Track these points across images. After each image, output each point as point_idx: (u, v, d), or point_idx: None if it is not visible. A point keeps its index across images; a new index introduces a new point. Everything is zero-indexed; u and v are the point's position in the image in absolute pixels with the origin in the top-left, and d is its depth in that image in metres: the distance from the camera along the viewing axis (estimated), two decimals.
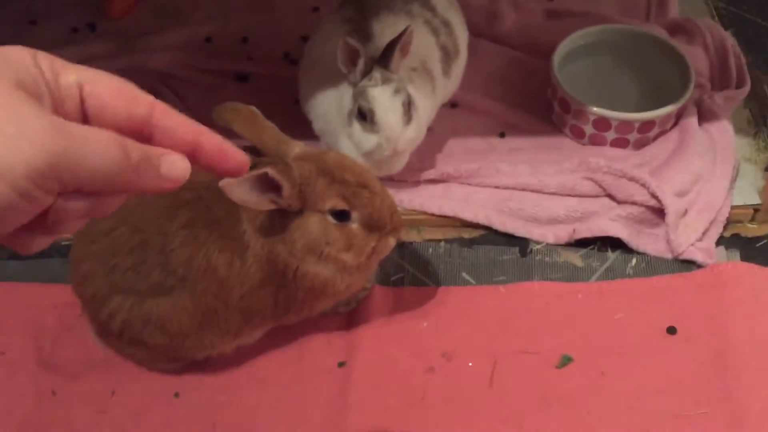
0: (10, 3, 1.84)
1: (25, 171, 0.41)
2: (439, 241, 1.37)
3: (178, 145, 0.52)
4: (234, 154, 0.55)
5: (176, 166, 0.50)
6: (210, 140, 0.53)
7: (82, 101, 0.48)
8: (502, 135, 1.51)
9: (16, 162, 0.41)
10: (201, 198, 1.04)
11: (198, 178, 1.05)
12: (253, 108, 1.06)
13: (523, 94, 1.58)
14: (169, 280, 1.04)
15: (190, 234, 1.03)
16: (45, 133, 0.42)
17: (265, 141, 1.04)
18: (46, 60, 0.47)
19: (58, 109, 0.47)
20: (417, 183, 1.42)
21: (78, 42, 1.73)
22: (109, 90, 0.49)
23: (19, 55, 0.46)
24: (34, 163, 0.41)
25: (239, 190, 0.93)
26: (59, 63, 0.48)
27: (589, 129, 1.44)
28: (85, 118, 0.48)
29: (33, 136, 0.42)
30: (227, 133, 1.05)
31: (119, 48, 1.70)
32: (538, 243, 1.35)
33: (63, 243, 1.37)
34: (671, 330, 1.22)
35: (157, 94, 1.56)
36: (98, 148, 0.45)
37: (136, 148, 0.47)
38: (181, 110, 1.54)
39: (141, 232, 1.04)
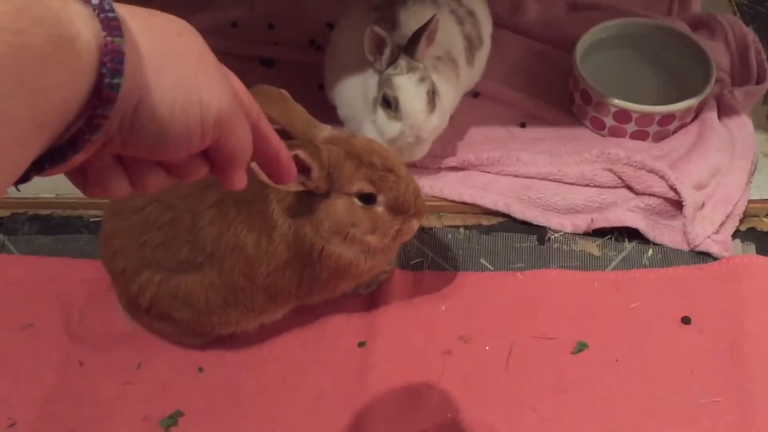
0: None
1: (216, 111, 0.51)
2: (459, 227, 1.39)
3: (266, 150, 0.62)
4: (293, 168, 0.65)
5: (244, 181, 0.59)
6: (286, 153, 0.64)
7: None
8: (523, 125, 1.53)
9: (214, 102, 0.51)
10: None
11: None
12: (284, 91, 1.09)
13: (544, 85, 1.59)
14: (198, 256, 1.07)
15: (220, 212, 1.06)
16: (231, 94, 0.53)
17: (295, 123, 1.07)
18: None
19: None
20: (438, 170, 1.44)
21: None
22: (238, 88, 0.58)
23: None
24: (222, 109, 0.51)
25: None
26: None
27: (609, 121, 1.46)
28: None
29: (228, 92, 0.52)
30: None
31: None
32: (556, 231, 1.37)
33: (91, 219, 1.41)
34: (686, 320, 1.24)
35: None
36: (246, 125, 0.56)
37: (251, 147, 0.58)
38: None
39: (172, 210, 1.07)
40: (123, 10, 0.47)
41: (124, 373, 1.22)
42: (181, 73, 0.49)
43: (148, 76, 0.47)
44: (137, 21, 0.48)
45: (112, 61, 0.44)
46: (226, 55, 1.69)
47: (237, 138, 0.55)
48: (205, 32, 1.68)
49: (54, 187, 1.43)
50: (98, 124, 0.45)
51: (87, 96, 0.44)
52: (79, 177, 0.53)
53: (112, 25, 0.44)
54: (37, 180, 1.41)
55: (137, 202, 1.09)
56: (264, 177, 0.66)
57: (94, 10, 0.44)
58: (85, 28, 0.43)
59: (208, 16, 1.77)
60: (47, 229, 1.40)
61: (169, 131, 0.49)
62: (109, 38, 0.44)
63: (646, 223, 1.34)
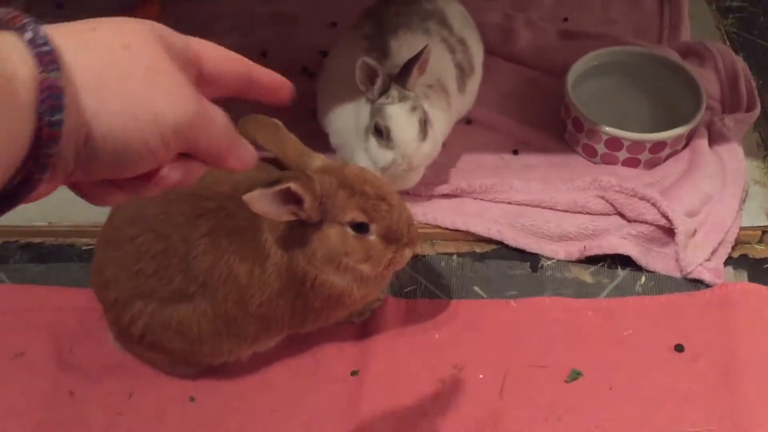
0: (40, 13, 1.88)
1: (173, 122, 0.49)
2: (452, 254, 1.40)
3: (269, 85, 0.61)
4: (283, 81, 0.63)
5: (248, 156, 0.59)
6: (270, 76, 0.62)
7: (200, 67, 0.56)
8: (515, 152, 1.54)
9: (169, 113, 0.49)
10: (223, 207, 1.07)
11: (220, 188, 1.09)
12: (277, 121, 1.10)
13: (536, 113, 1.61)
14: (191, 286, 1.07)
15: (213, 242, 1.06)
16: (190, 98, 0.51)
17: (288, 153, 1.07)
18: (177, 36, 0.55)
19: (187, 74, 0.54)
20: (431, 197, 1.45)
21: None
22: (217, 55, 0.58)
23: (162, 28, 0.54)
24: (180, 119, 0.50)
25: (261, 202, 0.96)
26: (182, 35, 0.56)
27: (601, 148, 1.47)
28: (199, 81, 0.56)
29: (185, 99, 0.50)
30: (252, 142, 1.09)
31: None
32: (549, 259, 1.37)
33: (83, 248, 1.40)
34: (679, 348, 1.24)
35: None
36: (217, 121, 0.54)
37: (234, 130, 0.57)
38: None
39: (165, 239, 1.07)
40: (61, 33, 0.45)
41: (115, 402, 1.21)
42: (129, 92, 0.47)
43: (92, 104, 0.46)
44: (76, 42, 0.46)
45: (50, 97, 0.43)
46: None
47: (208, 139, 0.53)
48: None
49: (46, 215, 1.42)
50: (45, 163, 0.44)
51: (31, 135, 0.43)
52: (77, 189, 0.53)
53: (46, 60, 0.43)
54: (29, 208, 1.40)
55: (130, 231, 1.09)
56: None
57: (28, 44, 0.43)
58: (22, 65, 0.42)
59: None
60: (39, 257, 1.39)
61: (128, 153, 0.48)
62: (44, 74, 0.43)
63: (638, 251, 1.34)
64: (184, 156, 0.54)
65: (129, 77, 0.48)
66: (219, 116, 0.54)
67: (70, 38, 0.46)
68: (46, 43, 0.44)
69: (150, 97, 0.48)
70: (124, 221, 1.12)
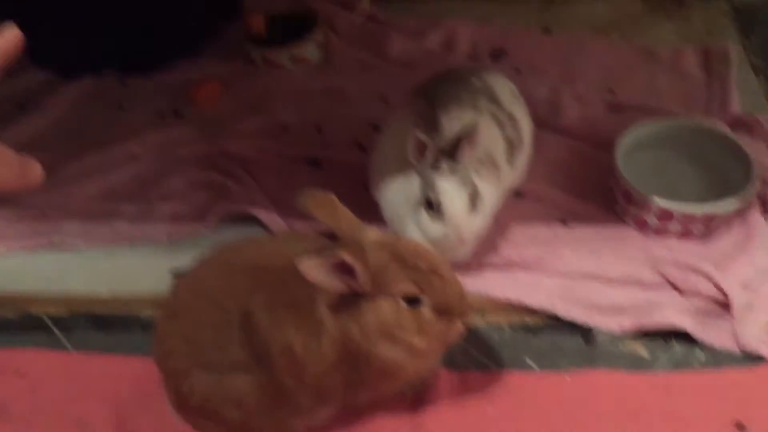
0: (104, 91, 1.99)
1: None
2: (504, 326, 1.40)
3: None
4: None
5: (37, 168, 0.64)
6: None
7: None
8: (565, 223, 1.55)
9: None
10: (281, 280, 1.10)
11: (278, 260, 1.13)
12: (332, 195, 1.14)
13: (586, 184, 1.62)
14: (249, 357, 1.09)
15: (270, 314, 1.09)
16: None
17: (342, 227, 1.10)
18: None
19: None
20: (482, 268, 1.46)
21: (164, 127, 1.85)
22: None
23: None
24: None
25: (315, 271, 0.99)
26: None
27: (652, 220, 1.47)
28: None
29: None
30: (308, 219, 1.13)
31: (202, 133, 1.82)
32: (602, 332, 1.36)
33: (145, 318, 1.45)
34: (740, 426, 1.20)
35: (236, 177, 1.67)
36: None
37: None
38: (256, 192, 1.63)
39: (225, 311, 1.10)
40: None
41: None
42: None
43: None
44: None
45: None
46: (277, 156, 1.77)
47: None
48: (258, 134, 1.79)
49: (110, 284, 1.48)
50: None
51: None
52: None
53: None
54: (93, 277, 1.47)
55: (192, 302, 1.13)
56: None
57: None
58: None
59: (260, 118, 1.86)
60: (102, 326, 1.44)
61: None
62: None
63: (694, 324, 1.32)
64: None
65: None
66: (10, 156, 0.60)
67: None
68: None
69: None
70: (186, 292, 1.16)
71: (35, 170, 0.61)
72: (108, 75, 2.04)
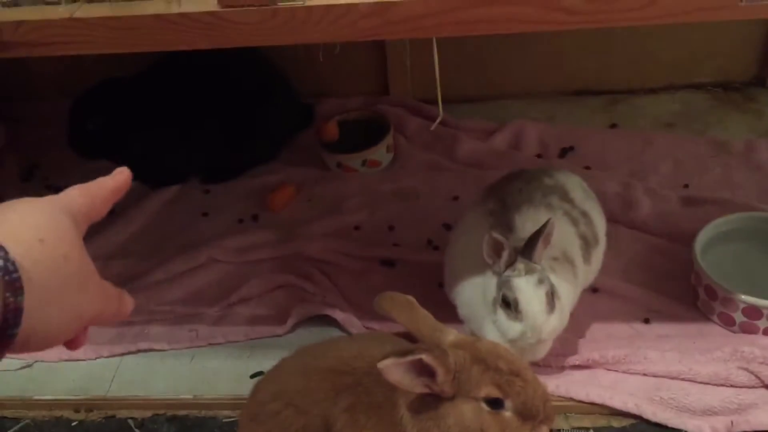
0: (188, 198, 2.10)
1: (90, 317, 0.61)
2: (588, 429, 1.35)
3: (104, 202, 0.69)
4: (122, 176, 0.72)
5: (130, 302, 0.68)
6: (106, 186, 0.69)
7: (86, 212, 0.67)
8: (646, 321, 1.52)
9: (89, 312, 0.61)
10: (361, 383, 1.11)
11: (358, 363, 1.14)
12: (410, 298, 1.15)
13: (664, 280, 1.59)
14: None
15: (351, 418, 1.09)
16: (102, 295, 0.63)
17: (421, 328, 1.11)
18: (68, 196, 0.66)
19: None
20: (562, 369, 1.43)
21: (243, 232, 1.93)
22: (91, 195, 0.67)
23: (65, 204, 0.64)
24: (95, 313, 0.61)
25: (395, 372, 0.99)
26: (68, 194, 0.66)
27: (739, 317, 1.42)
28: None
29: (100, 297, 0.63)
30: (385, 319, 1.15)
31: (279, 237, 1.88)
32: None
33: (224, 420, 1.47)
34: None
35: (313, 279, 1.70)
36: (113, 298, 0.65)
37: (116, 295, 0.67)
38: (333, 293, 1.66)
39: (305, 415, 1.11)
40: (20, 252, 0.53)
41: None
42: (65, 298, 0.57)
43: (39, 312, 0.54)
44: (31, 259, 0.54)
45: (14, 317, 0.51)
46: (351, 257, 1.80)
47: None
48: (332, 235, 1.82)
49: (192, 388, 1.51)
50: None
51: None
52: None
53: (15, 286, 0.51)
54: (176, 382, 1.50)
55: (273, 406, 1.14)
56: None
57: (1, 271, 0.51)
58: None
59: (334, 220, 1.92)
60: (184, 429, 1.46)
61: (52, 341, 0.57)
62: (11, 298, 0.51)
63: None
64: None
65: (67, 287, 0.58)
66: (113, 292, 0.65)
67: (27, 252, 0.55)
68: (15, 270, 0.52)
69: (79, 302, 0.59)
70: (267, 396, 1.17)
71: (128, 303, 0.68)
72: (191, 183, 2.14)
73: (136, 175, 2.34)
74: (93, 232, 2.26)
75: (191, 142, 2.06)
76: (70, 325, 0.59)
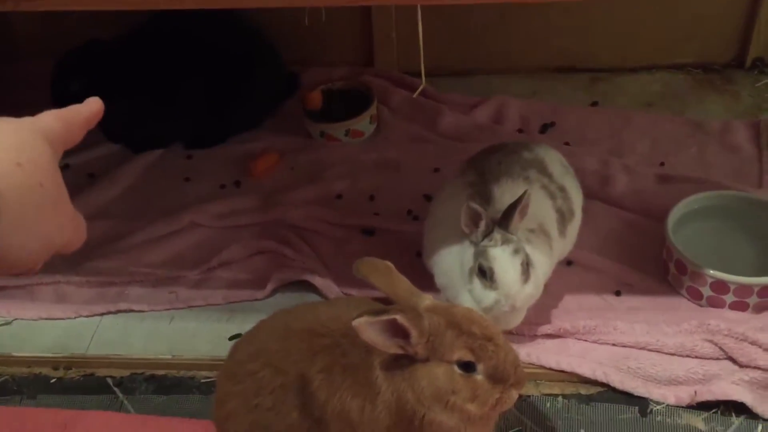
0: (171, 163, 2.10)
1: (59, 245, 0.62)
2: (557, 395, 1.39)
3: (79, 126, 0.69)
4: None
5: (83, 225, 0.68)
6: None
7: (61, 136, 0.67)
8: (618, 293, 1.56)
9: (59, 240, 0.61)
10: (338, 344, 1.13)
11: (335, 325, 1.17)
12: (388, 263, 1.17)
13: (637, 255, 1.63)
14: (306, 421, 1.12)
15: (327, 378, 1.11)
16: (73, 223, 0.64)
17: (398, 293, 1.14)
18: (43, 119, 0.65)
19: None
20: (535, 337, 1.47)
21: (225, 197, 1.94)
22: (65, 121, 0.67)
23: (41, 127, 0.63)
24: (63, 242, 0.62)
25: (369, 331, 1.02)
26: (42, 119, 0.66)
27: (707, 291, 1.46)
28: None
29: (71, 225, 0.64)
30: (363, 282, 1.17)
31: (260, 203, 1.90)
32: (658, 403, 1.35)
33: (203, 381, 1.49)
34: None
35: (293, 245, 1.71)
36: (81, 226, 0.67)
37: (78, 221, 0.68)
38: (312, 259, 1.67)
39: (283, 374, 1.13)
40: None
41: None
42: (39, 225, 0.58)
43: (11, 237, 0.55)
44: (7, 183, 0.55)
45: None
46: (332, 224, 1.82)
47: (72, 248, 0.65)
48: (313, 203, 1.83)
49: (171, 349, 1.53)
50: None
51: None
52: None
53: None
54: (155, 342, 1.51)
55: (251, 366, 1.16)
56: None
57: None
58: None
59: (316, 188, 1.93)
60: (162, 389, 1.48)
61: (21, 268, 0.58)
62: None
63: (753, 397, 1.30)
64: None
65: (40, 215, 0.58)
66: (82, 221, 0.66)
67: (2, 179, 0.55)
68: None
69: (50, 230, 0.59)
70: (245, 355, 1.19)
71: (84, 226, 0.69)
72: (174, 148, 2.14)
73: (119, 139, 2.35)
74: (74, 192, 2.25)
75: (174, 107, 2.05)
76: (41, 252, 0.59)
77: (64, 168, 2.34)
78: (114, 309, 1.64)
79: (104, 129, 2.13)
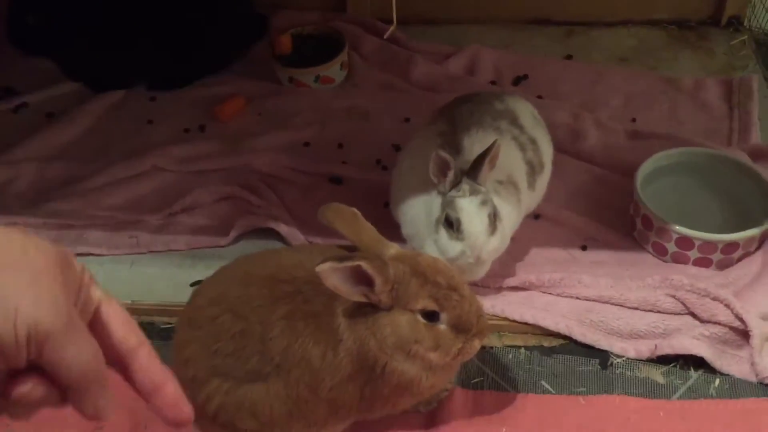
0: (133, 104, 2.03)
1: (34, 321, 0.49)
2: (520, 347, 1.40)
3: (141, 386, 0.59)
4: (181, 407, 0.60)
5: (107, 409, 0.56)
6: (173, 388, 0.60)
7: (96, 312, 0.59)
8: (584, 248, 1.56)
9: (32, 313, 0.49)
10: (300, 291, 1.12)
11: (298, 272, 1.14)
12: (355, 210, 1.15)
13: (605, 210, 1.63)
14: (266, 367, 1.10)
15: (288, 325, 1.10)
16: (61, 309, 0.51)
17: (364, 240, 1.12)
18: (88, 273, 0.59)
19: (79, 307, 0.56)
20: (500, 289, 1.47)
21: (188, 141, 1.89)
22: (117, 316, 0.59)
23: (76, 263, 0.58)
24: (40, 321, 0.50)
25: (333, 277, 1.01)
26: (93, 278, 0.60)
27: (671, 247, 1.47)
28: (92, 325, 0.58)
29: (55, 307, 0.51)
30: (329, 231, 1.15)
31: (226, 148, 1.85)
32: (618, 356, 1.36)
33: (162, 327, 1.46)
34: None
35: (258, 192, 1.68)
36: (82, 347, 0.53)
37: (101, 372, 0.54)
38: (278, 207, 1.65)
39: (243, 320, 1.11)
40: None
41: None
42: (4, 282, 0.49)
43: None
44: None
45: None
46: (299, 172, 1.79)
47: (67, 359, 0.51)
48: (280, 150, 1.80)
49: (130, 293, 1.50)
50: None
51: None
52: None
53: None
54: (113, 285, 1.47)
55: (211, 311, 1.14)
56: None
57: None
58: None
59: (283, 135, 1.89)
60: None
61: None
62: None
63: (712, 352, 1.32)
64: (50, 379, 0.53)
65: (8, 272, 0.50)
66: (87, 344, 0.53)
67: None
68: None
69: (22, 294, 0.50)
70: (206, 301, 1.17)
71: None
72: (137, 89, 2.08)
73: (78, 76, 2.26)
74: (32, 132, 2.18)
75: (137, 46, 1.98)
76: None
77: (22, 106, 2.27)
78: (72, 251, 1.59)
79: (63, 66, 2.05)
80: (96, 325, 0.58)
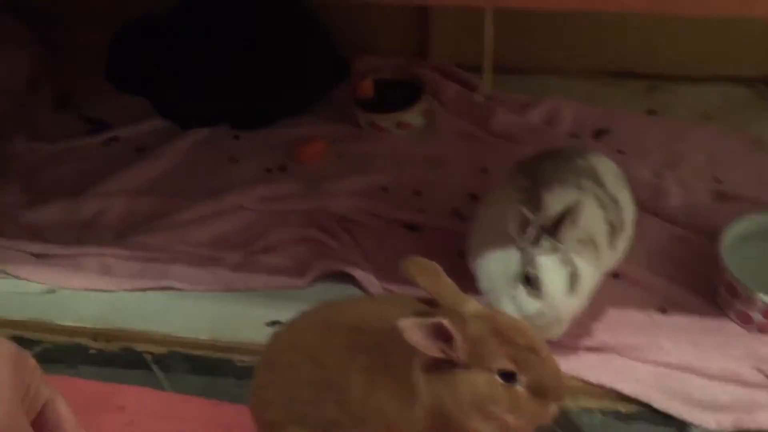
0: (218, 143, 2.11)
1: None
2: (595, 411, 1.37)
3: None
4: None
5: None
6: None
7: (43, 409, 0.61)
8: (663, 311, 1.52)
9: None
10: (380, 344, 1.13)
11: (378, 324, 1.16)
12: (436, 265, 1.16)
13: (687, 273, 1.59)
14: (343, 417, 1.11)
15: (368, 377, 1.11)
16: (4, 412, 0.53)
17: (444, 296, 1.12)
18: (39, 371, 0.61)
19: (27, 405, 0.59)
20: (575, 350, 1.45)
21: (270, 181, 1.94)
22: (62, 413, 0.62)
23: (30, 360, 0.60)
24: None
25: (413, 332, 1.02)
26: (43, 377, 0.62)
27: (757, 317, 1.42)
28: (37, 422, 0.61)
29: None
30: (404, 278, 1.16)
31: (305, 190, 1.89)
32: (698, 427, 1.32)
33: (238, 364, 1.50)
34: None
35: (336, 235, 1.71)
36: None
37: None
38: (354, 251, 1.67)
39: (323, 369, 1.13)
40: None
41: None
42: None
43: None
44: None
45: None
46: (375, 217, 1.81)
47: None
48: (358, 194, 1.83)
49: (210, 330, 1.54)
50: None
51: None
52: None
53: None
54: (195, 322, 1.50)
55: (291, 357, 1.16)
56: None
57: None
58: None
59: (362, 179, 1.92)
60: (198, 369, 1.50)
61: None
62: None
63: None
64: None
65: None
66: None
67: None
68: None
69: None
70: (285, 346, 1.20)
71: None
72: (221, 127, 2.15)
73: (168, 114, 2.38)
74: (122, 166, 2.28)
75: (225, 85, 2.06)
76: None
77: (113, 140, 2.39)
78: (157, 285, 1.65)
79: (155, 103, 2.15)
80: (41, 421, 0.61)
